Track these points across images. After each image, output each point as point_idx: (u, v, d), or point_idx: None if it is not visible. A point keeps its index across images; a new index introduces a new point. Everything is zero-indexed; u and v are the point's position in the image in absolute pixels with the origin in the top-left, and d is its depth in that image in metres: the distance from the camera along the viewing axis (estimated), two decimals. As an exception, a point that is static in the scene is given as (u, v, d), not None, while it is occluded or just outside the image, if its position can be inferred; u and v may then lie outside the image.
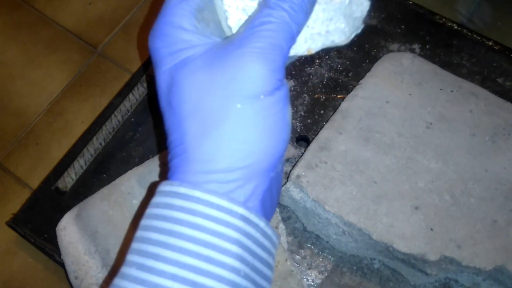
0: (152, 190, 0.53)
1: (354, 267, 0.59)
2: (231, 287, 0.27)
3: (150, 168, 0.57)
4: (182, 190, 0.28)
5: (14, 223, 0.66)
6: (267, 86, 0.28)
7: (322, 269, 0.59)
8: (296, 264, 0.59)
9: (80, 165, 0.66)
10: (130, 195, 0.56)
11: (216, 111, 0.28)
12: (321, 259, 0.59)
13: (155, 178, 0.57)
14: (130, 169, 0.59)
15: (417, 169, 0.57)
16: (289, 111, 0.30)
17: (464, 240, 0.53)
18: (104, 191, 0.57)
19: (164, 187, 0.29)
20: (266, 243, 0.29)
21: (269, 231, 0.30)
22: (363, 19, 0.37)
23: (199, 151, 0.28)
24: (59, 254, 0.57)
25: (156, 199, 0.29)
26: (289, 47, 0.29)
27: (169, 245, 0.27)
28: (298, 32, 0.30)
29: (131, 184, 0.56)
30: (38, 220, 0.65)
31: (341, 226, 0.55)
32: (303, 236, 0.60)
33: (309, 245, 0.60)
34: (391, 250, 0.54)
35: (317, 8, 0.33)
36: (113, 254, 0.54)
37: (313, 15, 0.33)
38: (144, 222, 0.29)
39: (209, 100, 0.29)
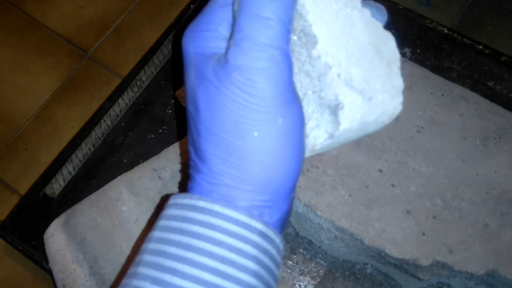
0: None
1: (347, 272, 0.58)
2: None
3: (140, 174, 0.57)
4: (201, 203, 0.27)
5: (2, 230, 0.65)
6: (282, 112, 0.28)
7: (315, 274, 0.58)
8: (288, 270, 0.58)
9: (68, 170, 0.65)
10: (119, 201, 0.55)
11: (232, 134, 0.28)
12: (313, 265, 0.59)
13: (145, 184, 0.56)
14: (120, 174, 0.58)
15: (408, 174, 0.57)
16: (303, 131, 0.29)
17: (455, 245, 0.53)
18: (93, 197, 0.57)
19: (182, 200, 0.28)
20: (279, 259, 0.29)
21: (281, 247, 0.29)
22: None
23: (226, 167, 0.28)
24: (47, 262, 0.57)
25: (173, 211, 0.28)
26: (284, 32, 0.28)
27: (187, 259, 0.26)
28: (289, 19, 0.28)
29: (120, 190, 0.56)
30: (26, 227, 0.65)
31: (333, 231, 0.55)
32: (295, 241, 0.60)
33: (301, 250, 0.59)
34: (383, 255, 0.53)
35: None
36: (102, 262, 0.53)
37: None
38: (159, 234, 0.28)
39: (223, 119, 0.28)
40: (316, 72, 0.29)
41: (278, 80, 0.27)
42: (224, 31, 0.29)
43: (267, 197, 0.28)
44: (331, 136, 0.30)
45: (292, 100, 0.28)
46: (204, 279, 0.26)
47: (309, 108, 0.31)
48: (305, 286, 0.58)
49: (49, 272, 0.57)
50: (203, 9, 0.31)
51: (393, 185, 0.56)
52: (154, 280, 0.26)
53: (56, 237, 0.55)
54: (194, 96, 0.29)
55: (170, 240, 0.27)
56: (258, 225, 0.27)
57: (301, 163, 0.29)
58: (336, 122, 0.29)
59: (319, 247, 0.59)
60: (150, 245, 0.28)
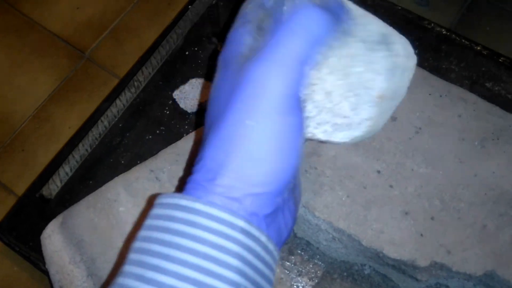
0: (150, 202, 0.52)
1: (345, 273, 0.58)
2: None
3: (137, 175, 0.57)
4: (183, 202, 0.28)
5: (-1, 231, 0.65)
6: (280, 108, 0.29)
7: (313, 275, 0.58)
8: (286, 271, 0.58)
9: (65, 171, 0.65)
10: (117, 202, 0.55)
11: (226, 126, 0.29)
12: (311, 266, 0.59)
13: (142, 185, 0.56)
14: (117, 175, 0.58)
15: (406, 174, 0.57)
16: (301, 139, 0.30)
17: (454, 246, 0.53)
18: (90, 198, 0.57)
19: (165, 199, 0.29)
20: (267, 258, 0.29)
21: (270, 246, 0.29)
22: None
23: (208, 160, 0.29)
24: (44, 263, 0.56)
25: (156, 210, 0.29)
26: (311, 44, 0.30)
27: (169, 256, 0.26)
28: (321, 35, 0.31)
29: (117, 191, 0.55)
30: (23, 228, 0.64)
31: (331, 232, 0.55)
32: (293, 242, 0.60)
33: (299, 251, 0.59)
34: (381, 256, 0.53)
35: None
36: (99, 263, 0.53)
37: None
38: (143, 233, 0.29)
39: (223, 109, 0.29)
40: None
41: (288, 87, 0.28)
42: (248, 38, 0.31)
43: (248, 190, 0.28)
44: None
45: (295, 106, 0.29)
46: (186, 275, 0.26)
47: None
48: (303, 287, 0.58)
49: (46, 273, 0.57)
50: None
51: (391, 186, 0.56)
52: (138, 277, 0.27)
53: (53, 238, 0.55)
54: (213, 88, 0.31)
55: (154, 238, 0.28)
56: (240, 223, 0.27)
57: (292, 169, 0.30)
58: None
59: (317, 248, 0.59)
60: (136, 244, 0.29)
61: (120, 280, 0.27)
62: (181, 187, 0.54)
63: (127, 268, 0.28)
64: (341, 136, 0.33)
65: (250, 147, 0.28)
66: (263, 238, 0.28)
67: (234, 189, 0.28)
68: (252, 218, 0.29)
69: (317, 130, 0.32)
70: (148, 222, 0.29)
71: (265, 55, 0.29)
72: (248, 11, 0.32)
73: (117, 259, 0.53)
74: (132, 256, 0.28)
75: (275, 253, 0.30)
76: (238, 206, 0.28)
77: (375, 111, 0.34)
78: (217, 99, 0.31)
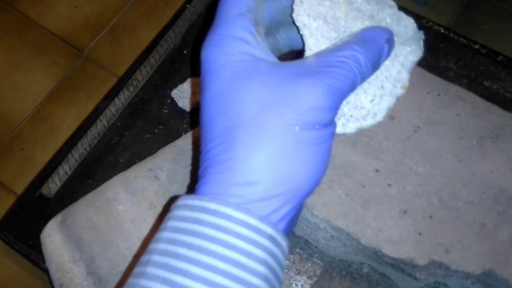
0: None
1: (343, 272, 0.58)
2: None
3: (136, 174, 0.57)
4: (212, 206, 0.28)
5: (-2, 230, 0.65)
6: (323, 119, 0.29)
7: (311, 274, 0.58)
8: (285, 269, 0.58)
9: (64, 170, 0.65)
10: (116, 201, 0.55)
11: (271, 128, 0.28)
12: (310, 264, 0.59)
13: (141, 183, 0.56)
14: (116, 174, 0.58)
15: (405, 173, 0.57)
16: (330, 146, 0.31)
17: (452, 245, 0.53)
18: (89, 197, 0.57)
19: (192, 201, 0.29)
20: (284, 262, 0.30)
21: (287, 250, 0.30)
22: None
23: (244, 162, 0.28)
24: (44, 261, 0.56)
25: (183, 212, 0.29)
26: (348, 94, 0.31)
27: (199, 262, 0.26)
28: (358, 85, 0.32)
29: (116, 190, 0.56)
30: (23, 227, 0.64)
31: (330, 231, 0.55)
32: (292, 241, 0.60)
33: (298, 250, 0.59)
34: (379, 255, 0.54)
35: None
36: (98, 262, 0.53)
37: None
38: (168, 235, 0.28)
39: (269, 116, 0.29)
40: None
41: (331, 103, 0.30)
42: (249, 38, 0.31)
43: (281, 197, 0.28)
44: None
45: (332, 119, 0.30)
46: (216, 281, 0.26)
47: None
48: (301, 285, 0.58)
49: (46, 271, 0.57)
50: (218, 18, 0.32)
51: (389, 185, 0.56)
52: (165, 281, 0.26)
53: (52, 237, 0.55)
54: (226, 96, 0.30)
55: (181, 241, 0.27)
56: (268, 229, 0.27)
57: (320, 175, 0.30)
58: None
59: (316, 246, 0.59)
60: (159, 246, 0.28)
61: (143, 282, 0.27)
62: (192, 188, 0.54)
63: (151, 270, 0.27)
64: (352, 127, 0.34)
65: (288, 152, 0.28)
66: (284, 244, 0.29)
67: (266, 193, 0.28)
68: (280, 223, 0.29)
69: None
70: (172, 223, 0.28)
71: (317, 78, 0.29)
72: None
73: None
74: (156, 258, 0.28)
75: (287, 255, 0.31)
76: (269, 212, 0.28)
77: (395, 101, 0.35)
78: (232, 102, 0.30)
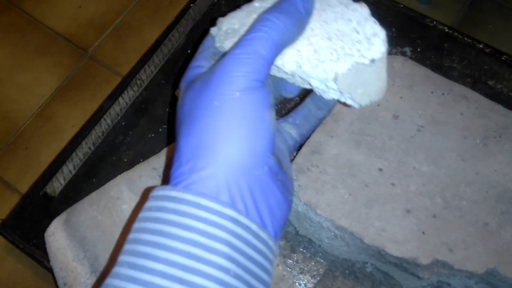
0: (145, 195, 0.54)
1: (347, 271, 0.58)
2: (220, 285, 0.27)
3: (140, 173, 0.57)
4: (173, 193, 0.29)
5: (3, 228, 0.65)
6: (241, 85, 0.31)
7: (315, 273, 0.58)
8: (288, 268, 0.58)
9: (69, 169, 0.65)
10: (120, 200, 0.55)
11: (197, 112, 0.31)
12: (313, 263, 0.59)
13: (145, 182, 0.56)
14: (120, 173, 0.58)
15: (408, 173, 0.57)
16: (269, 111, 0.32)
17: (456, 244, 0.53)
18: (93, 196, 0.57)
19: (157, 192, 0.31)
20: (260, 246, 0.30)
21: (263, 235, 0.30)
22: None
23: (183, 150, 0.31)
24: (48, 260, 0.57)
25: (149, 203, 0.31)
26: (271, 54, 0.32)
27: (159, 244, 0.28)
28: (283, 40, 0.33)
29: (120, 189, 0.56)
30: (27, 226, 0.65)
31: (333, 230, 0.55)
32: (295, 240, 0.60)
33: (301, 249, 0.60)
34: (383, 254, 0.54)
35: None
36: (102, 260, 0.53)
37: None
38: (136, 225, 0.30)
39: (193, 103, 0.31)
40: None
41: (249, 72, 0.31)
42: (204, 63, 0.36)
43: (224, 169, 0.30)
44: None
45: (257, 85, 0.32)
46: (176, 261, 0.27)
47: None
48: (305, 284, 0.58)
49: (50, 270, 0.57)
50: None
51: (393, 184, 0.56)
52: (131, 265, 0.28)
53: (56, 236, 0.55)
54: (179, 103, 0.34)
55: (145, 228, 0.29)
56: (228, 211, 0.29)
57: (262, 141, 0.31)
58: None
59: (319, 246, 0.59)
60: (130, 236, 0.30)
61: (115, 269, 0.29)
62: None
63: (122, 257, 0.29)
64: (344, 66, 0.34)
65: (219, 125, 0.30)
66: (253, 227, 0.30)
67: (209, 171, 0.30)
68: (238, 201, 0.30)
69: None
70: (141, 214, 0.30)
71: (228, 55, 0.32)
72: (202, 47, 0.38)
73: (113, 252, 0.53)
74: (126, 246, 0.30)
75: (271, 242, 0.31)
76: (218, 187, 0.30)
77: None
78: (184, 111, 0.33)
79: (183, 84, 0.35)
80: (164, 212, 0.29)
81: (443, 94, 0.62)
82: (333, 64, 0.34)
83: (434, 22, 0.74)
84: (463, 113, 0.60)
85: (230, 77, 0.31)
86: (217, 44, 0.37)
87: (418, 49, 0.72)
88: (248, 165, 0.30)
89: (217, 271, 0.27)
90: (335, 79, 0.34)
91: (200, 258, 0.27)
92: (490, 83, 0.70)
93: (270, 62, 0.32)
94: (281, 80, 0.39)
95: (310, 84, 0.36)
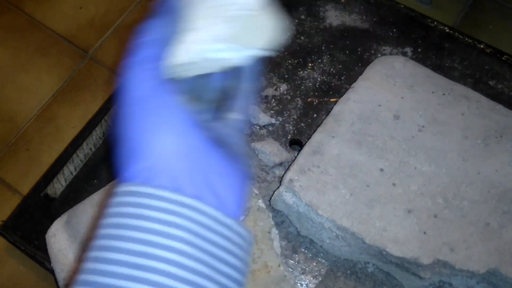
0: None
1: (348, 271, 0.58)
2: (183, 269, 0.29)
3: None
4: (132, 188, 0.31)
5: (4, 230, 0.65)
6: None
7: (316, 273, 0.58)
8: (290, 269, 0.58)
9: (70, 171, 0.65)
10: (121, 201, 0.55)
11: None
12: (315, 264, 0.59)
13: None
14: (121, 174, 0.58)
15: (409, 173, 0.57)
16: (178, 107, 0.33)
17: (457, 244, 0.53)
18: (94, 197, 0.57)
19: (117, 188, 0.32)
20: (223, 230, 0.31)
21: (224, 219, 0.31)
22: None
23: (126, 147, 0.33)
24: (49, 261, 0.57)
25: (112, 199, 0.32)
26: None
27: (117, 236, 0.29)
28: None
29: (122, 190, 0.56)
30: (28, 227, 0.65)
31: (335, 230, 0.55)
32: (296, 240, 0.60)
33: (303, 250, 0.60)
34: (384, 254, 0.53)
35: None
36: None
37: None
38: (102, 221, 0.32)
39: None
40: None
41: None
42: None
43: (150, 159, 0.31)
44: None
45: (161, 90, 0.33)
46: (133, 249, 0.29)
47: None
48: (306, 285, 0.58)
49: (51, 271, 0.57)
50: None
51: (394, 184, 0.56)
52: (93, 259, 0.30)
53: (58, 237, 0.55)
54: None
55: (106, 224, 0.31)
56: (182, 198, 0.30)
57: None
58: None
59: (321, 246, 0.59)
60: (97, 232, 0.32)
61: (83, 265, 0.30)
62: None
63: (88, 253, 0.31)
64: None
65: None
66: (213, 212, 0.31)
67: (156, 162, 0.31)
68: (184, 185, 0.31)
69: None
70: (106, 210, 0.32)
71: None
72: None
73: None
74: (93, 243, 0.31)
75: (235, 226, 0.32)
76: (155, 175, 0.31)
77: None
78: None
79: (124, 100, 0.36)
80: (122, 206, 0.30)
81: (444, 94, 0.62)
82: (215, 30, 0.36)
83: (435, 23, 0.74)
84: (464, 113, 0.60)
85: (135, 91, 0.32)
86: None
87: (419, 50, 0.72)
88: (185, 152, 0.32)
89: (178, 256, 0.29)
90: (220, 40, 0.36)
91: (158, 244, 0.29)
92: (491, 83, 0.70)
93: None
94: (198, 80, 0.40)
95: (208, 60, 0.37)
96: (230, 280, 0.31)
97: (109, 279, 0.28)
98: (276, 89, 0.70)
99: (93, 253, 0.30)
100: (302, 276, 0.58)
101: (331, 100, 0.69)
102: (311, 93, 0.70)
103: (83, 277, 0.29)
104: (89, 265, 0.30)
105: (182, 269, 0.29)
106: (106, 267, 0.29)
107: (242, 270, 0.32)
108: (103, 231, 0.30)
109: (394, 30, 0.74)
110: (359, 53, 0.72)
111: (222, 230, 0.31)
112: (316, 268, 0.59)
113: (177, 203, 0.30)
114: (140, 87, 0.33)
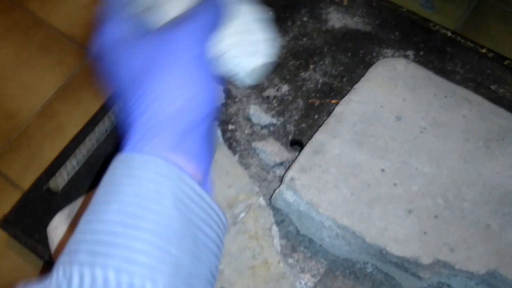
0: None
1: (347, 271, 0.58)
2: (166, 230, 0.30)
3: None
4: (123, 157, 0.33)
5: (5, 224, 0.65)
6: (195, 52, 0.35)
7: (315, 272, 0.58)
8: (289, 267, 0.58)
9: (72, 165, 0.65)
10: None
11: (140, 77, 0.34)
12: (314, 263, 0.59)
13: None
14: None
15: (410, 173, 0.57)
16: (209, 80, 0.35)
17: (457, 244, 0.53)
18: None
19: (113, 160, 0.34)
20: (203, 205, 0.33)
21: (206, 196, 0.33)
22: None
23: (134, 113, 0.34)
24: (50, 255, 0.57)
25: (106, 172, 0.34)
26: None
27: (110, 201, 0.31)
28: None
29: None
30: (29, 221, 0.65)
31: (335, 229, 0.55)
32: (296, 239, 0.60)
33: (302, 249, 0.60)
34: (384, 254, 0.54)
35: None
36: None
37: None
38: (97, 189, 0.33)
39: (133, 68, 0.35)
40: None
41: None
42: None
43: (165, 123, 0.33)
44: None
45: (199, 56, 0.35)
46: (125, 210, 0.30)
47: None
48: (305, 283, 0.58)
49: (52, 265, 0.57)
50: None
51: (395, 184, 0.56)
52: (86, 222, 0.31)
53: (60, 230, 0.55)
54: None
55: (100, 192, 0.32)
56: (173, 169, 0.32)
57: (205, 95, 0.35)
58: None
59: (320, 245, 0.59)
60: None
61: (76, 229, 0.32)
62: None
63: (81, 218, 0.32)
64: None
65: (165, 88, 0.34)
66: (195, 186, 0.32)
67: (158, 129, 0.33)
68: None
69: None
70: (102, 179, 0.33)
71: (179, 27, 0.36)
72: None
73: None
74: (86, 210, 0.33)
75: (213, 204, 0.33)
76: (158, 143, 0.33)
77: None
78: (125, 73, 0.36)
79: (101, 47, 0.38)
80: (116, 174, 0.32)
81: (445, 96, 0.62)
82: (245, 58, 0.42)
83: (437, 26, 0.74)
84: (466, 116, 0.61)
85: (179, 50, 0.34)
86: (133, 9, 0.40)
87: (421, 53, 0.73)
88: (192, 124, 0.34)
89: (165, 219, 0.30)
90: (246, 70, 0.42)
91: (149, 208, 0.30)
92: (493, 87, 0.70)
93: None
94: None
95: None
96: (208, 249, 0.33)
97: (99, 236, 0.30)
98: (277, 90, 0.70)
99: (85, 216, 0.31)
100: (301, 275, 0.58)
101: (333, 101, 0.69)
102: (313, 94, 0.70)
103: (75, 236, 0.31)
104: (81, 226, 0.31)
105: (167, 230, 0.30)
106: (97, 226, 0.30)
107: (218, 245, 0.34)
108: (96, 198, 0.32)
109: (396, 33, 0.74)
110: (361, 55, 0.73)
111: (202, 204, 0.33)
112: (315, 267, 0.59)
113: (165, 171, 0.31)
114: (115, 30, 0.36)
